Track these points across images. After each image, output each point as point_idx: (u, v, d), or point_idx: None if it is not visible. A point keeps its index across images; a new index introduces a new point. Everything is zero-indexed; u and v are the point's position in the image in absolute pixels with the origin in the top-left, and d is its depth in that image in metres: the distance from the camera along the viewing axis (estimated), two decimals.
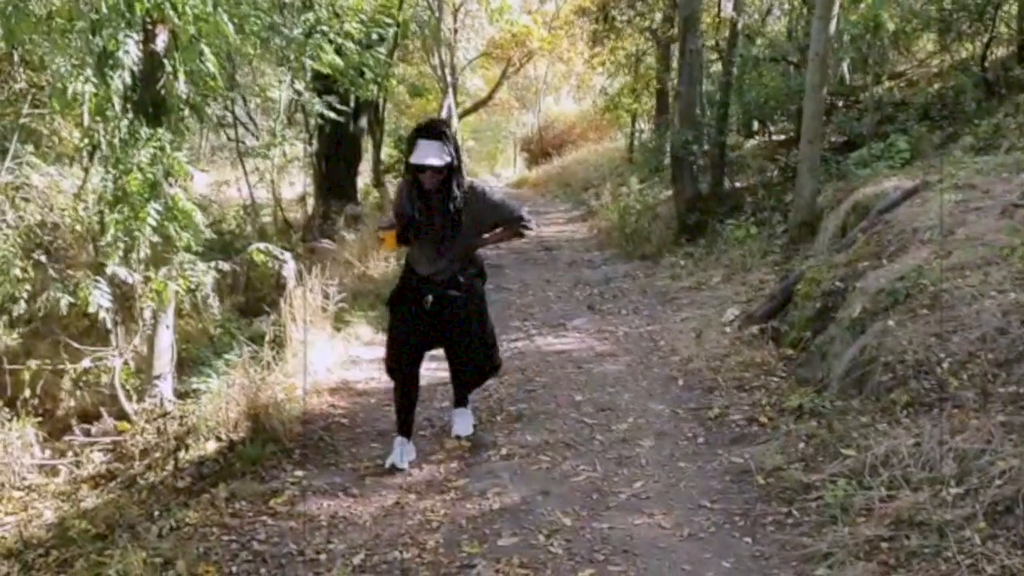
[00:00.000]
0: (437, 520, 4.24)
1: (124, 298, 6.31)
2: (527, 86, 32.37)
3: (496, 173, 33.56)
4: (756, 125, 13.56)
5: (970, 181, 6.42)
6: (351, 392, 6.33)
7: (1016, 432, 3.70)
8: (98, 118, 5.66)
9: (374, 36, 11.67)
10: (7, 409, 6.17)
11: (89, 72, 5.42)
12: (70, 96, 5.46)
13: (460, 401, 5.37)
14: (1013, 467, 3.46)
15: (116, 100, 5.53)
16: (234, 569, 3.85)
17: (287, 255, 6.73)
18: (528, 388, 6.23)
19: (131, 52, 5.31)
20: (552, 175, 24.95)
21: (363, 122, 14.29)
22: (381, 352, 5.61)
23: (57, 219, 7.33)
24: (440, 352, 5.24)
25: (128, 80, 5.46)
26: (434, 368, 5.57)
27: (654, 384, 6.19)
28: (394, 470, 4.83)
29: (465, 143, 30.20)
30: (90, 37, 5.41)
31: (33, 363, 6.48)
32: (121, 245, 5.68)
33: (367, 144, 16.23)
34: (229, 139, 12.89)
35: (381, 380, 5.09)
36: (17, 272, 6.20)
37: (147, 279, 5.86)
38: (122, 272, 5.79)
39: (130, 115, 5.71)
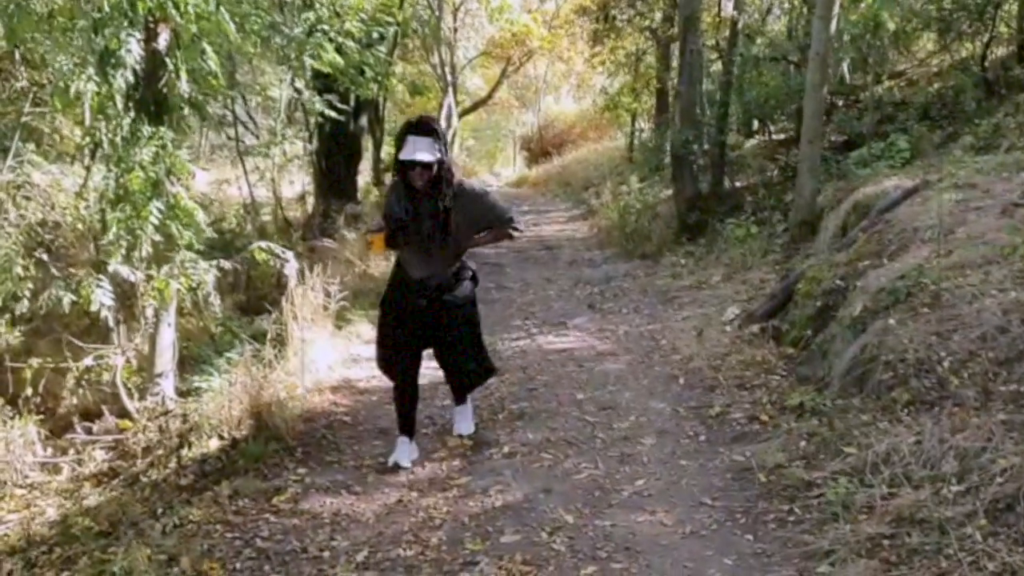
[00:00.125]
0: (440, 517, 4.26)
1: (125, 296, 6.32)
2: (527, 85, 32.34)
3: (496, 172, 33.55)
4: (756, 124, 13.57)
5: (970, 180, 6.43)
6: (353, 390, 6.35)
7: (1017, 430, 3.71)
8: (100, 116, 5.66)
9: (374, 35, 11.66)
10: (9, 407, 6.18)
11: (91, 71, 5.41)
12: (72, 95, 5.47)
13: (459, 399, 5.36)
14: (1014, 465, 3.47)
15: (118, 98, 5.52)
16: (238, 566, 3.87)
17: (289, 254, 6.72)
18: (529, 387, 6.25)
19: (133, 51, 5.30)
20: (552, 174, 24.96)
21: (363, 121, 14.27)
22: None
23: (59, 217, 7.33)
24: None
25: (130, 78, 5.44)
26: (435, 367, 5.57)
27: (655, 382, 6.20)
28: (397, 468, 4.85)
29: (465, 142, 30.26)
30: (92, 36, 5.41)
31: (35, 361, 6.48)
32: (123, 243, 5.67)
33: (367, 143, 16.23)
34: (229, 138, 12.87)
35: (382, 378, 5.10)
36: (19, 270, 6.20)
37: (149, 277, 5.86)
38: (124, 270, 5.79)
39: (132, 113, 5.71)
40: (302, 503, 4.51)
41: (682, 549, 3.81)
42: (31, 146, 7.46)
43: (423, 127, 4.60)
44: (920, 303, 5.00)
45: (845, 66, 11.97)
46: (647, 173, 16.15)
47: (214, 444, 5.34)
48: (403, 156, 4.55)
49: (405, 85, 17.05)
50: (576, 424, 5.44)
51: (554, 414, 5.63)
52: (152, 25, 5.79)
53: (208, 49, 5.72)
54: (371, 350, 7.13)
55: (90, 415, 6.38)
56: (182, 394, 6.32)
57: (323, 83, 10.79)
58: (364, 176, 16.56)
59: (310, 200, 14.34)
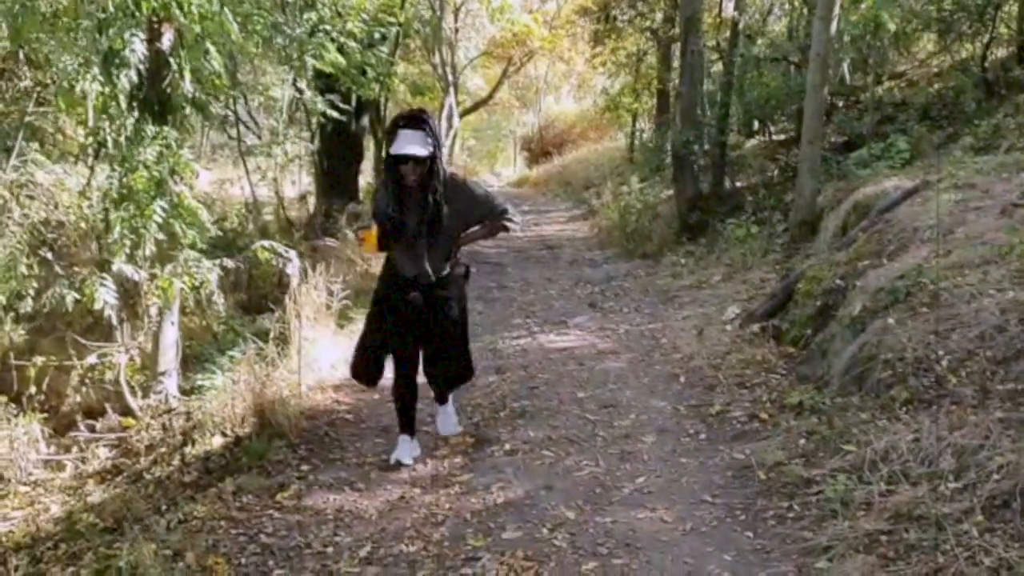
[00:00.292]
0: (442, 514, 4.30)
1: (129, 295, 6.35)
2: (528, 85, 32.36)
3: (496, 172, 33.60)
4: (757, 125, 13.59)
5: (970, 181, 6.47)
6: (355, 388, 6.36)
7: (1014, 428, 3.74)
8: (104, 116, 5.70)
9: (376, 35, 11.69)
10: (13, 405, 6.22)
11: (95, 70, 5.45)
12: (76, 94, 5.51)
13: (441, 398, 5.27)
14: (1011, 462, 3.50)
15: (122, 98, 5.55)
16: (243, 561, 3.91)
17: (292, 253, 6.76)
18: (531, 385, 6.28)
19: (137, 50, 5.33)
20: (553, 174, 24.99)
21: (365, 121, 14.29)
22: None
23: (62, 217, 7.35)
24: None
25: (134, 78, 5.48)
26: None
27: (656, 381, 6.23)
28: (399, 466, 4.88)
29: (466, 142, 30.27)
30: (96, 35, 5.45)
31: (39, 359, 6.51)
32: (127, 242, 5.70)
33: (369, 143, 16.24)
34: (231, 138, 12.89)
35: (384, 377, 5.11)
36: (23, 269, 6.24)
37: (153, 276, 5.90)
38: (127, 269, 5.82)
39: (136, 113, 5.74)
40: (305, 499, 4.54)
41: (682, 545, 3.84)
42: (35, 145, 7.49)
43: (414, 120, 4.44)
44: (919, 302, 5.04)
45: (846, 67, 12.01)
46: (648, 173, 16.19)
47: (217, 441, 5.38)
48: (394, 150, 4.39)
49: (407, 85, 17.06)
50: (577, 422, 5.47)
51: (555, 412, 5.66)
52: (156, 25, 5.82)
53: (212, 49, 5.76)
54: None
55: (93, 413, 6.42)
56: (185, 392, 6.36)
57: (325, 83, 10.83)
58: (366, 176, 16.58)
59: (312, 200, 14.37)
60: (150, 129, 5.71)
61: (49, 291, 6.01)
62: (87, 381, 6.67)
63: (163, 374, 6.28)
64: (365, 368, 4.99)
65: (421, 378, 5.05)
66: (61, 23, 5.71)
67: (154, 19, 5.72)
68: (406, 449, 4.93)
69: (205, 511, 4.43)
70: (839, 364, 5.24)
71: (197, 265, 5.96)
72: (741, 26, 12.01)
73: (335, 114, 10.47)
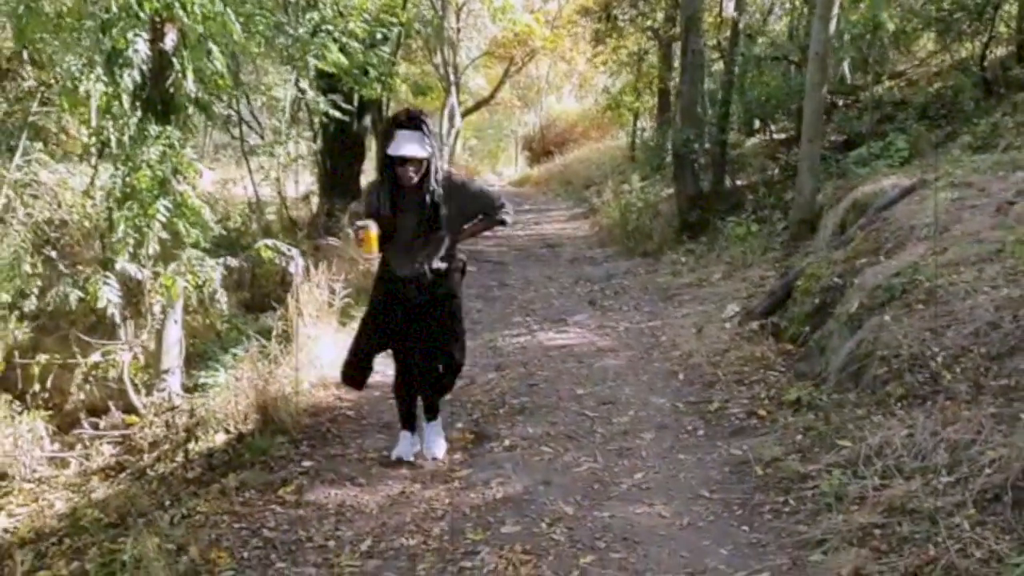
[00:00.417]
0: (442, 508, 4.34)
1: (132, 294, 6.40)
2: (529, 85, 32.41)
3: (498, 171, 33.66)
4: (757, 124, 13.64)
5: (966, 179, 6.51)
6: None
7: (1006, 423, 3.79)
8: (107, 116, 5.74)
9: (378, 35, 11.72)
10: (17, 403, 6.27)
11: (99, 70, 5.49)
12: (80, 94, 5.56)
13: (430, 409, 5.06)
14: (1002, 456, 3.55)
15: (125, 98, 5.59)
16: (245, 555, 3.96)
17: (294, 251, 6.81)
18: (530, 382, 6.32)
19: (140, 51, 5.38)
20: (554, 173, 25.03)
21: (367, 121, 14.33)
22: None
23: (66, 216, 7.41)
24: None
25: (137, 78, 5.52)
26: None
27: (655, 378, 6.28)
28: (399, 461, 4.93)
29: (468, 142, 30.30)
30: (100, 36, 5.50)
31: (43, 358, 6.57)
32: (130, 241, 5.73)
33: (371, 143, 16.30)
34: (234, 138, 12.94)
35: (386, 373, 5.16)
36: (27, 268, 6.30)
37: (156, 275, 5.95)
38: (131, 268, 5.87)
39: (139, 113, 5.78)
40: (307, 494, 4.59)
41: (679, 540, 3.89)
42: (39, 145, 7.55)
43: (412, 121, 4.39)
44: (915, 299, 5.08)
45: (846, 66, 12.05)
46: (649, 172, 16.25)
47: (220, 438, 5.43)
48: (392, 152, 4.34)
49: (408, 85, 17.09)
50: (576, 419, 5.52)
51: (554, 409, 5.71)
52: (159, 25, 5.86)
53: (215, 49, 5.80)
54: None
55: (97, 411, 6.47)
56: (189, 390, 6.41)
57: (327, 83, 10.87)
58: (368, 175, 16.61)
59: (314, 199, 14.43)
60: (153, 129, 5.75)
61: (53, 290, 6.06)
62: (91, 379, 6.73)
63: (167, 372, 6.32)
64: (353, 371, 4.94)
65: None
66: (65, 23, 5.75)
67: (157, 19, 5.76)
68: (407, 444, 4.97)
69: (208, 506, 4.48)
70: (836, 361, 5.28)
71: (200, 264, 6.00)
72: (741, 25, 12.05)
73: (337, 114, 10.51)
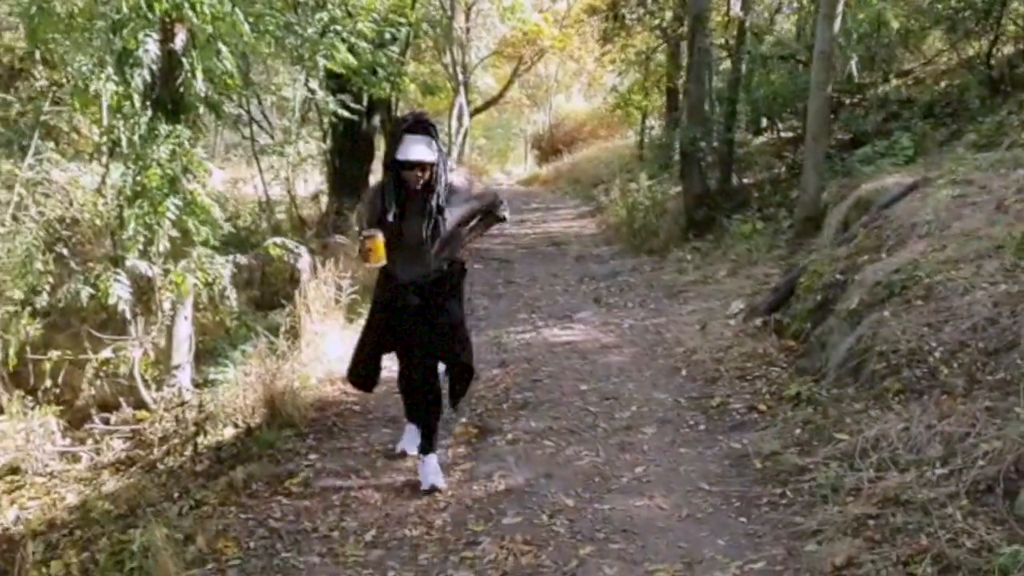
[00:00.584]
0: (444, 500, 4.42)
1: (142, 291, 6.49)
2: (538, 84, 32.45)
3: (507, 170, 33.68)
4: (765, 122, 13.68)
5: (968, 177, 6.53)
6: None
7: (1000, 416, 3.84)
8: (118, 115, 5.83)
9: (387, 35, 11.81)
10: (29, 398, 6.37)
11: (109, 70, 5.58)
12: (91, 94, 5.65)
13: (427, 439, 4.73)
14: (995, 448, 3.60)
15: (136, 97, 5.68)
16: (252, 544, 4.04)
17: (302, 248, 6.90)
18: (534, 378, 6.38)
19: (150, 51, 5.47)
20: (562, 172, 25.05)
21: (376, 120, 14.41)
22: None
23: (77, 214, 7.51)
24: None
25: (147, 78, 5.62)
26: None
27: (658, 374, 6.34)
28: (404, 454, 5.00)
29: (476, 141, 30.36)
30: (110, 36, 5.59)
31: (54, 354, 6.65)
32: (140, 239, 5.82)
33: (380, 142, 16.38)
34: (244, 137, 13.06)
35: (391, 369, 5.22)
36: (39, 265, 6.39)
37: (166, 272, 6.03)
38: (141, 265, 5.96)
39: (149, 112, 5.86)
40: (313, 486, 4.68)
41: (678, 531, 3.95)
42: (50, 144, 7.66)
43: (419, 125, 4.34)
44: (914, 296, 5.13)
45: (854, 64, 12.06)
46: (657, 170, 16.27)
47: (229, 432, 5.52)
48: (400, 156, 4.27)
49: (417, 85, 17.18)
50: (578, 413, 5.58)
51: (557, 404, 5.77)
52: (169, 25, 5.94)
53: (224, 49, 5.88)
54: None
55: (108, 407, 6.55)
56: (198, 385, 6.50)
57: (337, 83, 10.97)
58: (376, 175, 16.72)
59: (324, 199, 14.53)
60: (163, 128, 5.83)
61: (64, 287, 6.15)
62: (102, 375, 6.81)
63: (177, 368, 6.41)
64: (361, 373, 4.95)
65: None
66: (76, 24, 5.84)
67: (167, 20, 5.84)
68: (411, 438, 5.02)
69: (216, 498, 4.58)
70: (836, 356, 5.33)
71: (210, 261, 6.09)
72: (748, 24, 12.08)
73: (346, 114, 10.60)
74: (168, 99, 6.05)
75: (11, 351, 6.41)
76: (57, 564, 4.16)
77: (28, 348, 6.63)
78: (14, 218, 6.68)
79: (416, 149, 4.27)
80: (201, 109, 6.42)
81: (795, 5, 14.55)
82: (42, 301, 6.42)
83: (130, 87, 5.55)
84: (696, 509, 4.16)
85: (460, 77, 20.85)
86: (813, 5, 12.29)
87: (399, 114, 17.09)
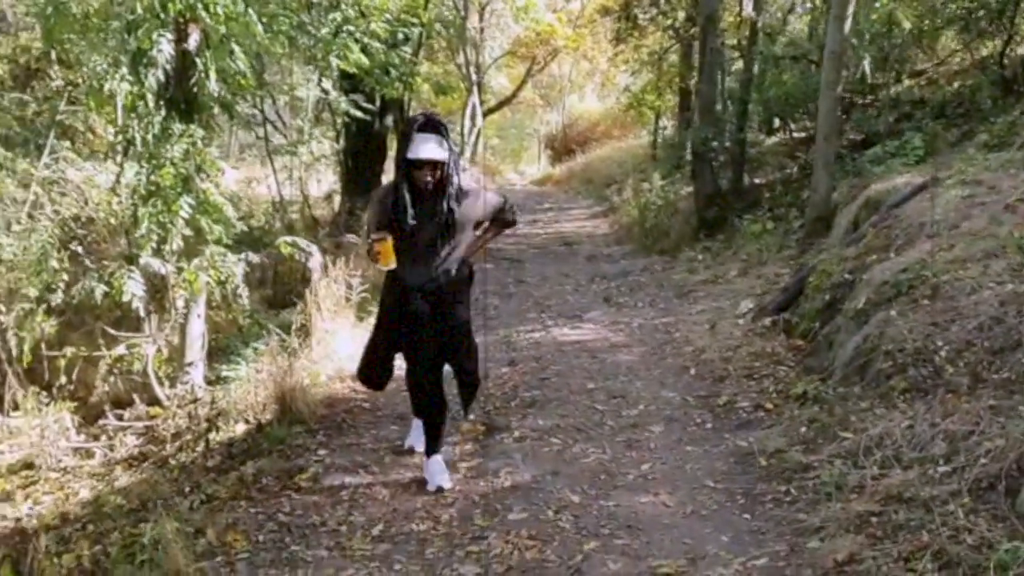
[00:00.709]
0: (451, 496, 4.47)
1: (156, 289, 6.56)
2: (551, 84, 32.44)
3: (520, 170, 33.71)
4: (777, 122, 13.66)
5: (978, 177, 6.54)
6: None
7: (1003, 415, 3.85)
8: (132, 115, 5.90)
9: (400, 35, 11.87)
10: (44, 395, 6.45)
11: (124, 70, 5.65)
12: (105, 93, 5.72)
13: (433, 439, 4.73)
14: (998, 446, 3.62)
15: (150, 97, 5.74)
16: (261, 538, 4.10)
17: (313, 247, 6.96)
18: (542, 376, 6.43)
19: (164, 51, 5.54)
20: (576, 172, 25.08)
21: (389, 120, 14.46)
22: None
23: (92, 212, 7.58)
24: None
25: (161, 78, 5.69)
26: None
27: (666, 373, 6.37)
28: (412, 451, 5.05)
29: (490, 141, 30.39)
30: (125, 36, 5.66)
31: (69, 351, 6.73)
32: (154, 237, 5.88)
33: (392, 142, 16.45)
34: (258, 137, 13.14)
35: (400, 367, 5.26)
36: (54, 263, 6.47)
37: (179, 270, 6.10)
38: (155, 263, 6.03)
39: (163, 112, 5.92)
40: (322, 481, 4.74)
41: (682, 527, 3.99)
42: (66, 143, 7.75)
43: (430, 124, 4.32)
44: (921, 295, 5.14)
45: (867, 64, 12.04)
46: (670, 170, 16.27)
47: (240, 428, 5.58)
48: (411, 155, 4.25)
49: (431, 85, 17.24)
50: (586, 411, 5.62)
51: (565, 402, 5.81)
52: (183, 26, 5.99)
53: (237, 49, 5.95)
54: None
55: (121, 403, 6.62)
56: (211, 382, 6.57)
57: (350, 83, 11.04)
58: (389, 175, 16.79)
59: (337, 198, 14.60)
60: (177, 127, 5.90)
61: (79, 284, 6.22)
62: (116, 372, 6.87)
63: (190, 365, 6.48)
64: (372, 373, 4.96)
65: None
66: (91, 24, 5.91)
67: (181, 20, 5.90)
68: (419, 434, 5.04)
69: (227, 492, 4.64)
70: (843, 355, 5.35)
71: (223, 260, 6.15)
72: (760, 25, 12.08)
73: (359, 114, 10.67)
74: (182, 99, 6.10)
75: (26, 348, 6.48)
76: (69, 557, 4.21)
77: (43, 345, 6.70)
78: (30, 216, 6.77)
79: (427, 148, 4.26)
80: (215, 109, 6.49)
81: (808, 5, 14.54)
82: (57, 298, 6.48)
83: (144, 87, 5.62)
84: (701, 506, 4.19)
85: (473, 77, 20.87)
86: (825, 5, 12.29)
87: (409, 116, 17.19)
